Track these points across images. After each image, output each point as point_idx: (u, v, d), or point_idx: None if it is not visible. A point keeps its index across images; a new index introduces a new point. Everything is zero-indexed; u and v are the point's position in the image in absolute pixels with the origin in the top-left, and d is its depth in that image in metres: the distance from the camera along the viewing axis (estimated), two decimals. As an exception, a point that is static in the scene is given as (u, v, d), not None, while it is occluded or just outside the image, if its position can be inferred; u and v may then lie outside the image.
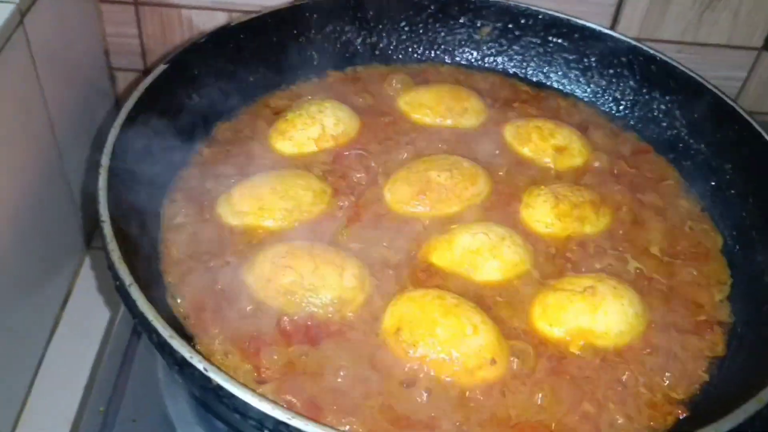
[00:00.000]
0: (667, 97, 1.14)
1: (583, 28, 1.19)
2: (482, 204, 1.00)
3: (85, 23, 1.41)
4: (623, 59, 1.18)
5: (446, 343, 0.81)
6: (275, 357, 0.81)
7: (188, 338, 0.81)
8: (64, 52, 1.31)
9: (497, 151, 1.09)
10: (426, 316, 0.83)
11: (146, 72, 1.53)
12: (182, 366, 0.68)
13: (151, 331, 0.70)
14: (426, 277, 0.90)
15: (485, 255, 0.90)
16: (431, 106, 1.14)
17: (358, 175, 1.03)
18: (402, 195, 1.00)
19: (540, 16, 1.21)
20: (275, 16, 1.13)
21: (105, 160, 0.85)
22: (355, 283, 0.87)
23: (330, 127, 1.08)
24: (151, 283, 0.83)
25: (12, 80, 1.09)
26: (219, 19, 1.44)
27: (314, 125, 1.07)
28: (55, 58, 1.24)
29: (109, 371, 0.96)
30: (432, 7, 1.22)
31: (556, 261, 0.94)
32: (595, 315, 0.86)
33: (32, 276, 1.20)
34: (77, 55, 1.39)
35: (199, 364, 0.67)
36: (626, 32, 1.41)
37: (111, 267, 0.76)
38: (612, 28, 1.41)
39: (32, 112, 1.19)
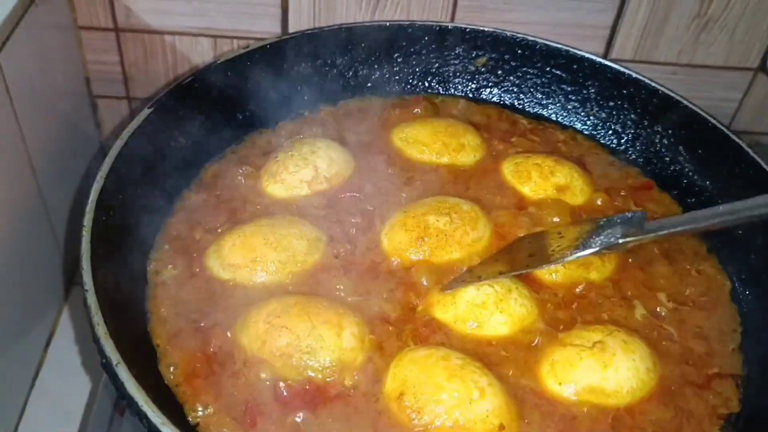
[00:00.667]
0: (670, 131, 1.11)
1: (582, 58, 1.16)
2: (484, 251, 0.96)
3: (64, 52, 1.36)
4: (624, 91, 1.14)
5: (452, 409, 0.77)
6: (273, 428, 0.77)
7: (179, 407, 0.77)
8: (43, 82, 1.26)
9: (496, 191, 1.06)
10: (430, 379, 0.79)
11: (129, 99, 1.48)
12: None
13: (142, 415, 0.65)
14: (429, 332, 0.87)
15: (491, 308, 0.87)
16: (427, 142, 1.10)
17: (354, 220, 0.99)
18: (400, 242, 0.96)
19: (537, 47, 1.18)
20: (263, 50, 1.09)
21: (88, 220, 0.81)
22: (354, 343, 0.83)
23: (324, 169, 1.04)
24: (139, 349, 0.78)
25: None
26: (203, 45, 1.39)
27: (307, 167, 1.03)
28: (34, 89, 1.19)
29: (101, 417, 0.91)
30: (426, 38, 1.18)
31: (562, 310, 0.91)
32: (606, 372, 0.83)
33: (14, 317, 1.15)
34: (57, 84, 1.34)
35: (195, 455, 0.62)
36: (621, 55, 1.39)
37: (96, 341, 0.71)
38: (607, 50, 1.39)
39: (9, 148, 1.14)
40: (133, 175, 0.91)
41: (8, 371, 1.17)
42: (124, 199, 0.89)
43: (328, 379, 0.81)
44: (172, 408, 0.72)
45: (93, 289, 0.74)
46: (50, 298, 1.34)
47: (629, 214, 0.91)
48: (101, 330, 0.71)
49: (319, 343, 0.82)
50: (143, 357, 0.77)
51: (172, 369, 0.81)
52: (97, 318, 0.72)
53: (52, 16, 1.30)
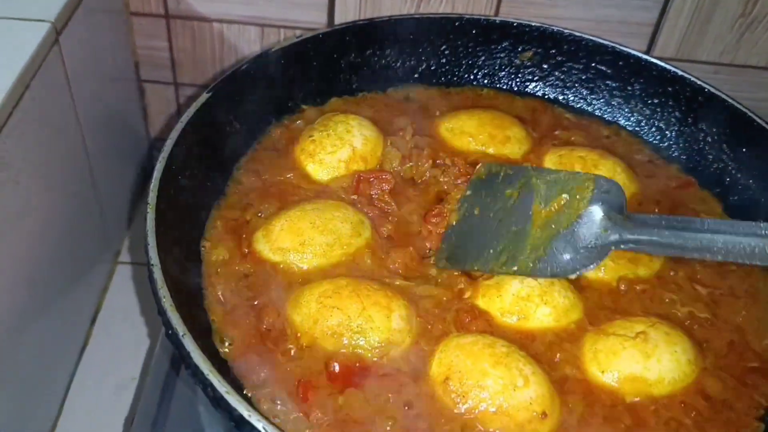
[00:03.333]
0: (714, 130, 1.12)
1: (628, 55, 1.17)
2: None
3: (116, 36, 1.40)
4: (669, 89, 1.15)
5: (496, 395, 0.79)
6: (325, 403, 0.80)
7: (235, 382, 0.80)
8: (96, 66, 1.29)
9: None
10: (476, 365, 0.81)
11: (176, 84, 1.52)
12: (239, 423, 0.66)
13: (207, 384, 0.68)
14: (471, 319, 0.89)
15: (536, 301, 0.89)
16: (473, 133, 1.12)
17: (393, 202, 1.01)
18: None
19: (583, 42, 1.19)
20: (315, 40, 1.11)
21: (152, 198, 0.83)
22: (402, 325, 0.86)
23: (359, 148, 1.05)
24: (198, 325, 0.81)
25: (47, 100, 1.08)
26: (250, 33, 1.42)
27: (344, 147, 1.05)
28: (88, 73, 1.23)
29: (150, 402, 0.95)
30: (473, 31, 1.20)
31: (605, 303, 0.92)
32: (648, 362, 0.84)
33: (61, 292, 1.19)
34: (108, 68, 1.38)
35: (258, 423, 0.65)
36: (663, 53, 1.40)
37: (162, 314, 0.74)
38: (649, 47, 1.40)
39: (66, 130, 1.18)
40: (191, 157, 0.94)
41: (55, 344, 1.21)
42: (183, 180, 0.92)
43: (375, 359, 0.84)
44: (230, 380, 0.74)
45: (159, 264, 0.77)
46: (97, 272, 1.38)
47: (604, 185, 0.89)
48: (167, 303, 0.74)
49: (368, 323, 0.84)
50: (201, 332, 0.80)
51: (227, 344, 0.84)
52: (163, 291, 0.75)
53: (106, 2, 1.33)
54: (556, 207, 0.92)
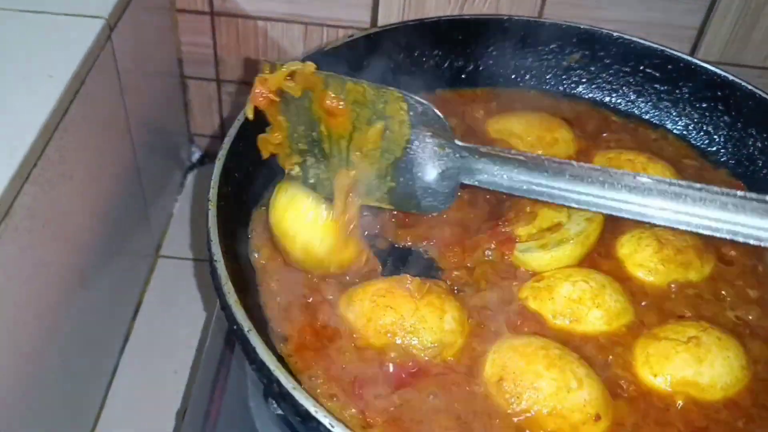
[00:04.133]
0: (765, 135, 1.11)
1: (678, 59, 1.16)
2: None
3: (162, 33, 1.42)
4: (718, 93, 1.15)
5: (550, 397, 0.80)
6: (380, 401, 0.80)
7: (293, 377, 0.81)
8: (143, 61, 1.31)
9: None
10: (529, 367, 0.81)
11: (218, 81, 1.53)
12: (305, 418, 0.67)
13: (273, 380, 0.69)
14: (522, 321, 0.89)
15: (588, 304, 0.89)
16: (521, 135, 1.12)
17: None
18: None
19: (632, 45, 1.18)
20: (366, 39, 1.12)
21: (213, 195, 0.85)
22: (455, 326, 0.86)
23: None
24: (255, 320, 0.82)
25: (100, 95, 1.10)
26: (294, 32, 1.43)
27: None
28: (135, 68, 1.25)
29: (201, 396, 0.96)
30: (521, 33, 1.20)
31: (657, 308, 0.92)
32: (700, 367, 0.84)
33: (107, 284, 1.21)
34: (154, 63, 1.40)
35: (325, 419, 0.66)
36: (707, 56, 1.40)
37: (226, 308, 0.76)
38: (693, 51, 1.40)
39: (115, 125, 1.20)
40: (247, 153, 0.94)
41: (97, 338, 1.23)
42: (239, 177, 0.93)
43: (428, 359, 0.85)
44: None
45: (222, 260, 0.78)
46: (140, 265, 1.40)
47: (418, 106, 0.87)
48: (231, 299, 0.75)
49: (421, 323, 0.85)
50: (258, 327, 0.81)
51: (283, 340, 0.85)
52: (228, 287, 0.76)
53: (155, -1, 1.35)
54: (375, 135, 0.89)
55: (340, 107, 0.86)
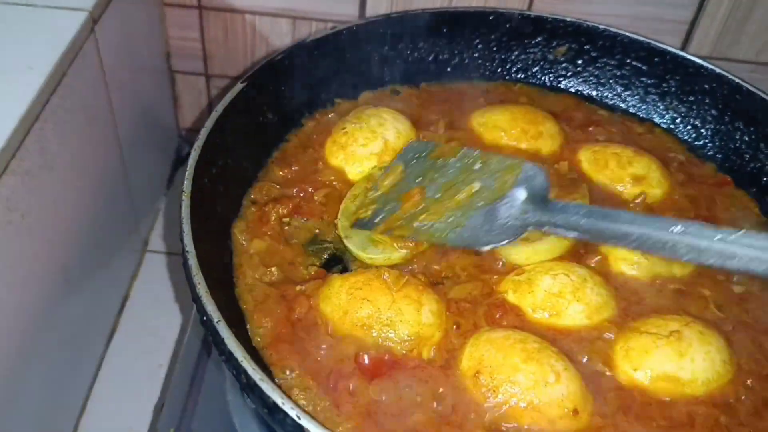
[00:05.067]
0: (752, 128, 1.10)
1: (664, 52, 1.15)
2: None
3: (149, 27, 1.41)
4: (705, 86, 1.14)
5: (527, 391, 0.79)
6: (354, 393, 0.80)
7: (266, 369, 0.80)
8: (129, 55, 1.31)
9: (573, 178, 1.06)
10: (507, 360, 0.81)
11: (206, 75, 1.52)
12: (272, 410, 0.67)
13: (240, 371, 0.69)
14: (501, 314, 0.88)
15: (568, 298, 0.88)
16: (506, 128, 1.11)
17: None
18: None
19: (618, 38, 1.17)
20: (350, 32, 1.11)
21: (187, 187, 0.84)
22: (432, 319, 0.86)
23: (392, 141, 1.05)
24: (230, 313, 0.81)
25: (83, 88, 1.09)
26: (282, 26, 1.42)
27: (376, 140, 1.04)
28: (121, 62, 1.24)
29: (179, 390, 0.95)
30: (507, 25, 1.19)
31: (639, 302, 0.91)
32: (682, 361, 0.83)
33: (92, 278, 1.21)
34: (140, 58, 1.39)
35: (292, 411, 0.65)
36: (698, 51, 1.38)
37: (197, 300, 0.75)
38: (684, 45, 1.38)
39: (99, 118, 1.20)
40: (225, 146, 0.94)
41: (84, 329, 1.22)
42: (216, 169, 0.93)
43: (405, 352, 0.84)
44: (261, 368, 0.74)
45: (193, 251, 0.77)
46: (126, 260, 1.39)
47: (530, 171, 0.92)
48: (202, 289, 0.74)
49: (398, 316, 0.84)
50: (233, 319, 0.81)
51: (258, 332, 0.84)
52: (198, 278, 0.76)
53: (141, -8, 1.35)
54: (470, 192, 0.94)
55: None
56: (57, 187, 1.04)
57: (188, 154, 1.58)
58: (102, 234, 1.23)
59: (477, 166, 0.96)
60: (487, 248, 0.90)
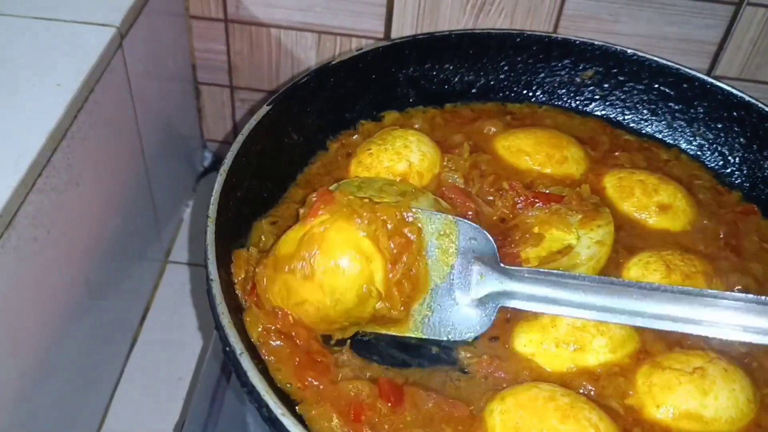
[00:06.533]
0: (780, 157, 1.09)
1: (693, 78, 1.14)
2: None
3: (175, 39, 1.42)
4: (734, 113, 1.12)
5: None
6: (377, 423, 0.79)
7: (288, 400, 0.80)
8: (155, 68, 1.31)
9: (595, 203, 1.05)
10: (544, 424, 0.78)
11: (231, 88, 1.53)
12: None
13: (262, 405, 0.69)
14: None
15: (591, 332, 0.87)
16: (530, 152, 1.10)
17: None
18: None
19: (646, 63, 1.16)
20: (375, 53, 1.11)
21: (212, 212, 0.84)
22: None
23: (416, 164, 1.04)
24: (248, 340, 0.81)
25: (109, 103, 1.10)
26: (307, 40, 1.43)
27: (401, 161, 1.04)
28: (147, 74, 1.25)
29: (200, 408, 0.96)
30: (534, 48, 1.19)
31: (663, 336, 0.90)
32: (705, 399, 0.82)
33: (114, 289, 1.22)
34: (167, 69, 1.40)
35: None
36: (726, 72, 1.37)
37: (220, 329, 0.75)
38: (712, 67, 1.37)
39: (124, 131, 1.20)
40: (250, 169, 0.94)
41: (105, 341, 1.23)
42: (240, 192, 0.93)
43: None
44: (281, 397, 0.75)
45: (218, 279, 0.78)
46: (148, 271, 1.40)
47: (469, 231, 0.86)
48: (225, 319, 0.75)
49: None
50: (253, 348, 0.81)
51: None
52: (222, 308, 0.76)
53: (168, 5, 1.35)
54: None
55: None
56: (81, 202, 1.05)
57: (212, 166, 1.61)
58: (125, 245, 1.24)
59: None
60: (469, 338, 0.88)
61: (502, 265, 0.87)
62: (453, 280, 0.87)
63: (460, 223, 0.86)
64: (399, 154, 1.04)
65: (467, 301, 0.87)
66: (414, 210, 0.85)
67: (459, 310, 0.88)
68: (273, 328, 0.83)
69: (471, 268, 0.87)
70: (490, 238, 0.86)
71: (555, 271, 0.87)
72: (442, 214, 0.87)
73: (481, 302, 0.87)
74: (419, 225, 0.85)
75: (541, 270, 0.87)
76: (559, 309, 0.85)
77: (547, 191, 1.03)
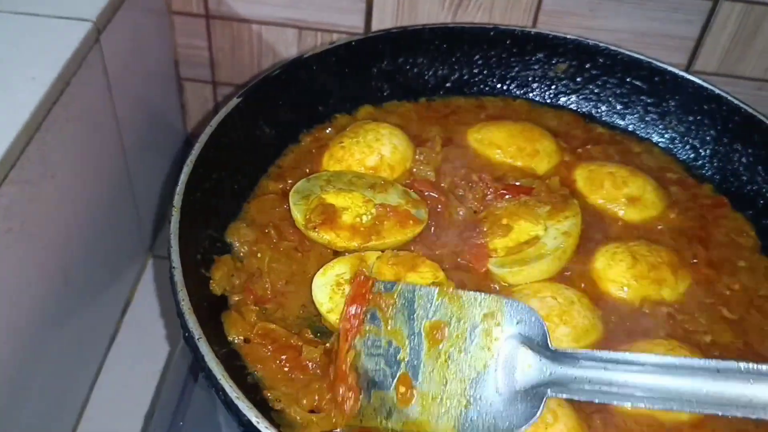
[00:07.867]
0: (750, 150, 1.10)
1: (665, 71, 1.15)
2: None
3: (157, 35, 1.43)
4: (705, 107, 1.13)
5: None
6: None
7: (253, 385, 0.81)
8: (136, 63, 1.32)
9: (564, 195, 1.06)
10: None
11: (214, 83, 1.54)
12: (248, 427, 0.68)
13: (219, 388, 0.70)
14: None
15: (554, 321, 0.87)
16: (502, 145, 1.11)
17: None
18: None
19: (619, 57, 1.17)
20: (348, 47, 1.12)
21: (177, 201, 0.85)
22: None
23: (388, 156, 1.06)
24: (217, 329, 0.83)
25: (86, 97, 1.11)
26: (288, 35, 1.43)
27: (372, 154, 1.05)
28: (127, 70, 1.25)
29: (169, 401, 0.97)
30: (507, 42, 1.19)
31: (627, 326, 0.91)
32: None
33: (94, 284, 1.22)
34: (148, 65, 1.40)
35: (266, 431, 0.66)
36: (705, 67, 1.37)
37: (180, 315, 0.76)
38: (690, 62, 1.37)
39: (103, 126, 1.21)
40: (219, 161, 0.95)
41: (86, 333, 1.24)
42: (210, 183, 0.94)
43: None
44: (249, 383, 0.76)
45: (180, 266, 0.79)
46: (130, 265, 1.41)
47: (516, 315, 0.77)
48: (185, 306, 0.76)
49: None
50: (221, 336, 0.82)
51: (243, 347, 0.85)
52: (182, 294, 0.77)
53: (149, 1, 1.36)
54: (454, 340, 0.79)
55: None
56: (58, 195, 1.06)
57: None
58: (104, 240, 1.25)
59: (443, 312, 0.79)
60: None
61: (552, 348, 0.76)
62: (497, 368, 0.77)
63: (507, 303, 0.78)
64: (371, 147, 1.05)
65: (511, 393, 0.76)
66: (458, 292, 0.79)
67: (501, 403, 0.77)
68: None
69: (517, 354, 0.77)
70: (541, 319, 0.77)
71: (614, 354, 0.74)
72: (488, 294, 0.79)
73: (527, 393, 0.76)
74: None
75: (598, 352, 0.75)
76: (622, 399, 0.74)
77: (517, 183, 1.04)
